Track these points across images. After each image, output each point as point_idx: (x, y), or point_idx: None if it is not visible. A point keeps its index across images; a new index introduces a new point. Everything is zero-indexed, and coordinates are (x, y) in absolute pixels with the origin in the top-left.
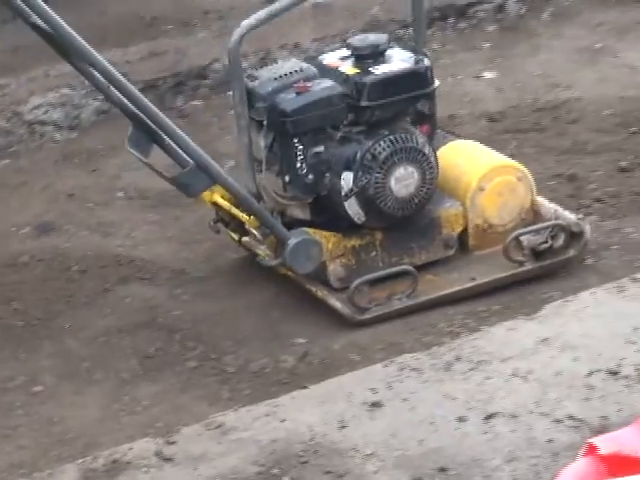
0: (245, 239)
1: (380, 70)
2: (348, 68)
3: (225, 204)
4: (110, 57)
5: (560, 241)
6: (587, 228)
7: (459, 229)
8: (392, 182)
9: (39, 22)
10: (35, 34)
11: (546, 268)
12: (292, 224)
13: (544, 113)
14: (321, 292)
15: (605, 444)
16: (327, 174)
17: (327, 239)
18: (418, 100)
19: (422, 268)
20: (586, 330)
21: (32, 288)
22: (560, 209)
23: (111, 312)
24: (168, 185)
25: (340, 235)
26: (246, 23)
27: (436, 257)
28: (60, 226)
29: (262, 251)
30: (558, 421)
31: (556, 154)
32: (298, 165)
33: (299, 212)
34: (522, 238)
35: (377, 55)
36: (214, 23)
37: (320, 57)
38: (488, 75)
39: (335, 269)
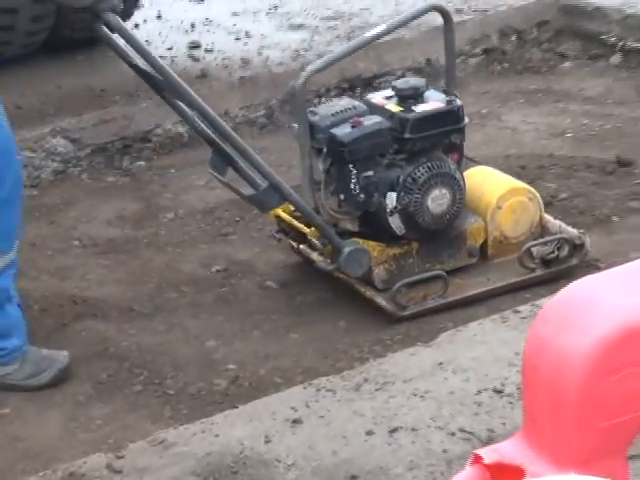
0: (302, 247)
1: (420, 108)
2: (393, 106)
3: (286, 217)
4: (66, 124)
5: (565, 251)
6: (587, 241)
7: (481, 240)
8: (429, 201)
9: (138, 62)
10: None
11: (553, 274)
12: (343, 234)
13: None
14: (369, 292)
15: (488, 454)
16: (375, 194)
17: (373, 248)
18: (451, 134)
19: (450, 273)
20: (475, 355)
21: None
22: (564, 225)
23: (68, 344)
24: (117, 234)
25: (383, 245)
26: (310, 68)
27: (462, 264)
28: (24, 271)
29: (316, 257)
30: (452, 434)
31: None
32: (352, 186)
33: (350, 225)
34: (533, 249)
35: (417, 96)
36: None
37: (368, 96)
38: None
39: (379, 273)
